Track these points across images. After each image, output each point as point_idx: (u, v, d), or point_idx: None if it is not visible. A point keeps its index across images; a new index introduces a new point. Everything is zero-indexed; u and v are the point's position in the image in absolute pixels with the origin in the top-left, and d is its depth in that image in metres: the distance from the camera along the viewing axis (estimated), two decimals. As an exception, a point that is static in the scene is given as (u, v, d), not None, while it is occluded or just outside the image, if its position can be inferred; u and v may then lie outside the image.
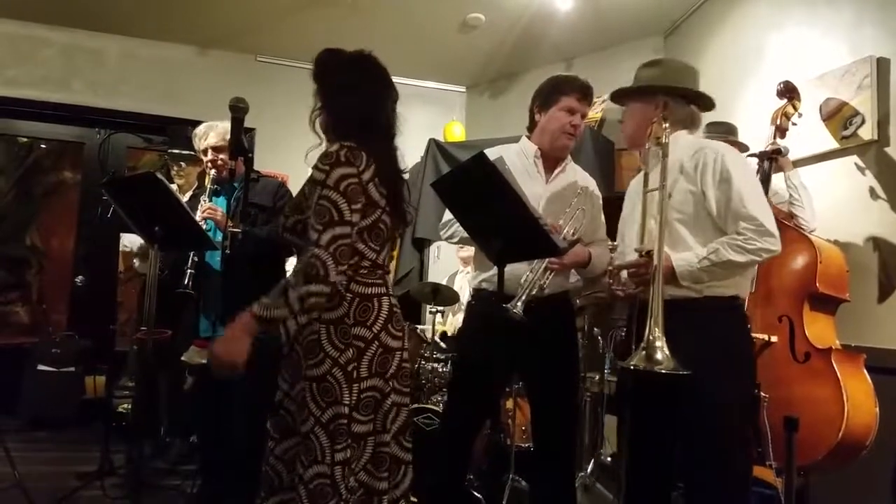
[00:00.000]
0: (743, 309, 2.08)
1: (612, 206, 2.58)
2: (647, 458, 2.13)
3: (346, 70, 1.91)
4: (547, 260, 2.33)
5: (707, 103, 2.22)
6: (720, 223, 1.99)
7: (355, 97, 1.89)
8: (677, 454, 2.05)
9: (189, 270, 2.82)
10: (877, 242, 2.84)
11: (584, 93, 2.48)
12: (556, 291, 2.46)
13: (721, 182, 1.97)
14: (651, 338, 1.84)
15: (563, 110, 2.45)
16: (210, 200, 2.92)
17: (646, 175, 2.11)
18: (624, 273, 2.12)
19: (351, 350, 1.78)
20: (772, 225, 1.92)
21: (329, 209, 1.74)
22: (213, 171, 2.98)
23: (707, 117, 2.36)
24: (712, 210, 1.99)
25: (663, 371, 1.79)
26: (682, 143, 2.10)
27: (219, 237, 2.78)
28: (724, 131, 3.06)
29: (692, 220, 2.02)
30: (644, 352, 1.84)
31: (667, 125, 2.03)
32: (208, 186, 2.98)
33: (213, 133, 2.96)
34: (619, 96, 2.29)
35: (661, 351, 1.81)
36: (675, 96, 2.15)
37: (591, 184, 2.61)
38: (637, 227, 2.10)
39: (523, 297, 2.27)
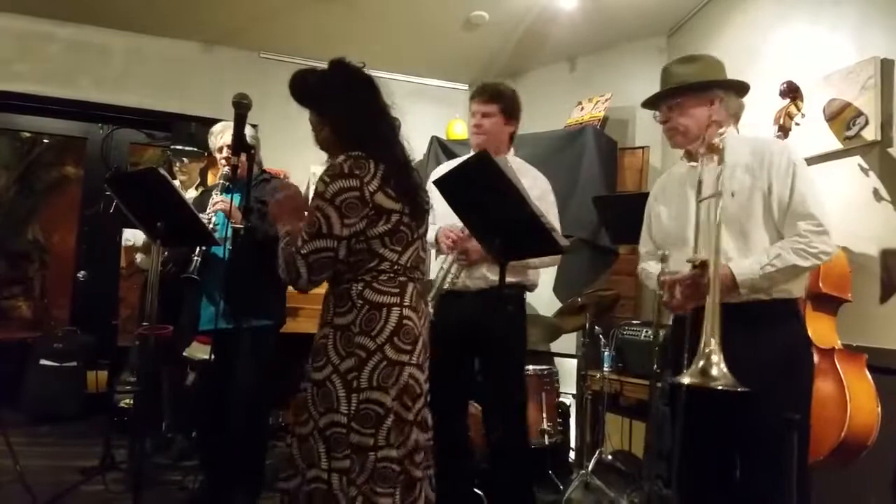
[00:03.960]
0: (802, 312, 2.03)
1: (617, 204, 2.58)
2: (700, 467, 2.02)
3: (332, 84, 1.91)
4: (455, 254, 2.50)
5: (745, 91, 2.17)
6: (777, 218, 1.94)
7: (350, 107, 1.88)
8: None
9: (196, 258, 2.82)
10: (879, 243, 2.83)
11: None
12: (489, 284, 2.57)
13: (787, 178, 1.92)
14: (707, 351, 1.72)
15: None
16: (221, 195, 2.94)
17: (700, 183, 1.98)
18: (678, 289, 1.97)
19: (352, 359, 1.76)
20: (828, 223, 1.88)
21: (319, 220, 1.75)
22: (226, 169, 3.00)
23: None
24: (775, 205, 1.93)
25: (720, 387, 1.68)
26: (734, 141, 2.04)
27: (230, 232, 2.78)
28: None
29: (764, 217, 1.96)
30: (700, 364, 1.72)
31: (723, 130, 1.99)
32: (220, 182, 3.00)
33: (229, 131, 2.97)
34: (668, 96, 2.15)
35: (717, 367, 1.70)
36: (727, 90, 2.11)
37: (531, 176, 2.72)
38: (691, 234, 1.99)
39: (433, 293, 2.47)
